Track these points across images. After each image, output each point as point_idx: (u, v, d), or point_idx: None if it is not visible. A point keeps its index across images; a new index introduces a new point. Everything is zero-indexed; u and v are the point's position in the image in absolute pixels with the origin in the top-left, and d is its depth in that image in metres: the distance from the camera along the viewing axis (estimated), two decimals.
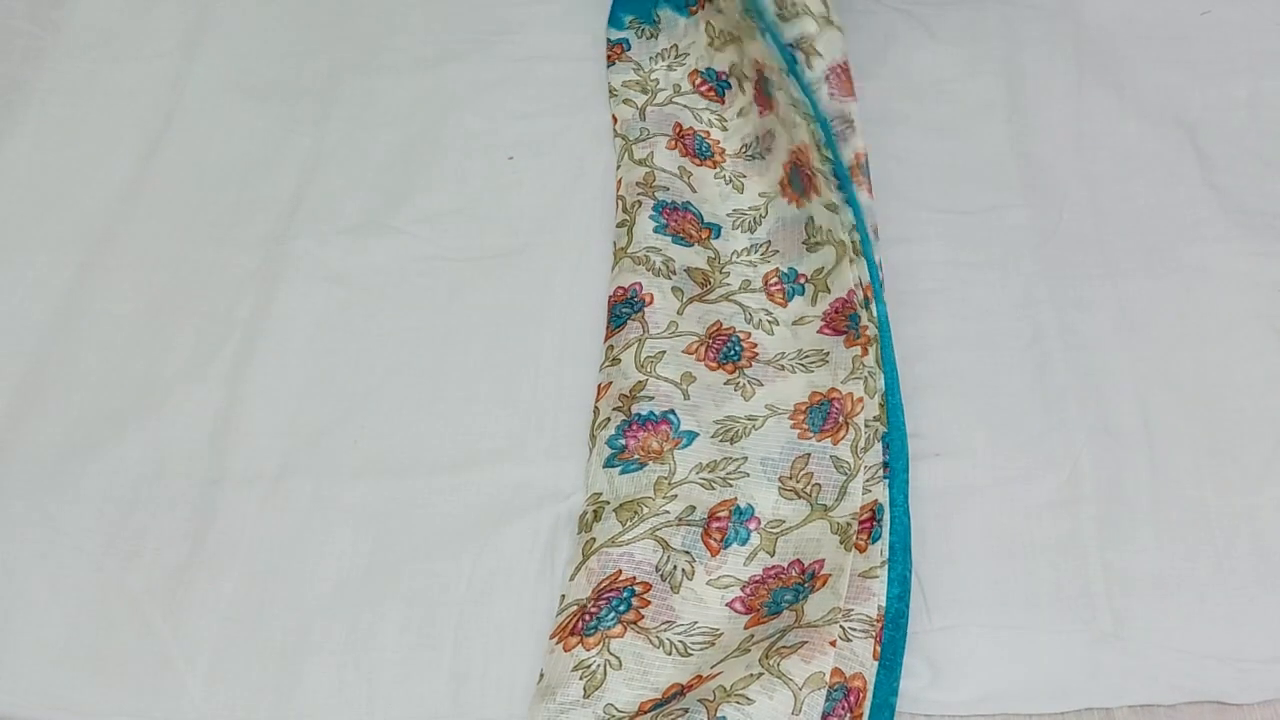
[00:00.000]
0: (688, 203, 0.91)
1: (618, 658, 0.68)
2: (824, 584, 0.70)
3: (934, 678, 0.70)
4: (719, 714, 0.63)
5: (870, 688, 0.66)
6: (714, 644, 0.69)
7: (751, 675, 0.65)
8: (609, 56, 1.01)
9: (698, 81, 0.98)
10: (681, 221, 0.89)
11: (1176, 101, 0.98)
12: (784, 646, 0.67)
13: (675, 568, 0.72)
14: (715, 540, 0.73)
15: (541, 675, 0.69)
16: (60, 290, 0.88)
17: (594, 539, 0.74)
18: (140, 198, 0.94)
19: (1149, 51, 1.01)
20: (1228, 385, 0.82)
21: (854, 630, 0.68)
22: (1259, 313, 0.85)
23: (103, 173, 0.95)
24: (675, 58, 1.00)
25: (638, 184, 0.91)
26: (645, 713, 0.66)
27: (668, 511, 0.74)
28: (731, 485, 0.76)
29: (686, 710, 0.64)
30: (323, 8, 1.07)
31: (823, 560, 0.72)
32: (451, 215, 0.93)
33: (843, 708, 0.65)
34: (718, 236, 0.89)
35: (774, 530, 0.74)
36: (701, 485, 0.76)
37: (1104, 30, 1.03)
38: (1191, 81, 0.99)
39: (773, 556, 0.73)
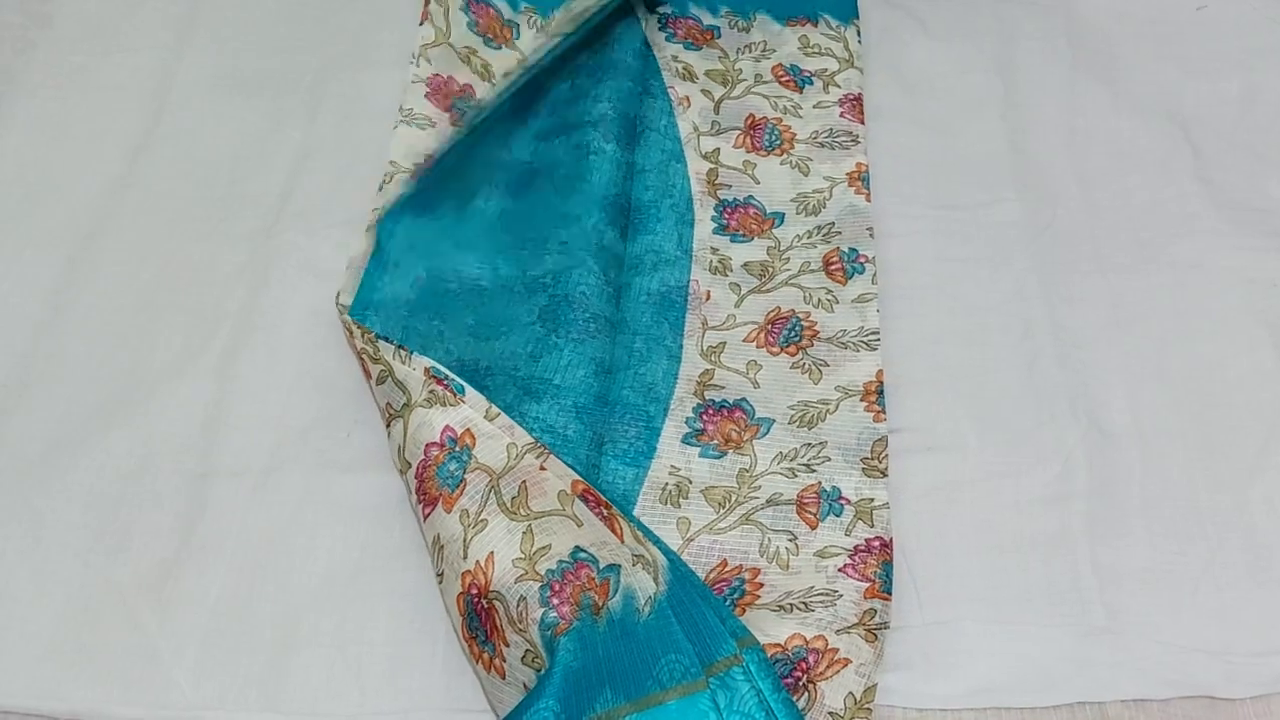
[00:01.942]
0: (750, 196, 0.92)
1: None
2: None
3: (926, 672, 0.70)
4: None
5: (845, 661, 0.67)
6: (834, 604, 0.70)
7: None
8: (695, 39, 1.02)
9: (780, 74, 1.00)
10: (744, 218, 0.91)
11: (1169, 97, 0.98)
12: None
13: (779, 548, 0.73)
14: (811, 514, 0.74)
15: None
16: (48, 284, 0.88)
17: (688, 519, 0.74)
18: (129, 192, 0.93)
19: (1142, 47, 1.02)
20: (1219, 380, 0.82)
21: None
22: (1251, 308, 0.85)
23: (91, 166, 0.95)
24: (764, 51, 1.02)
25: (701, 177, 0.93)
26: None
27: (756, 498, 0.75)
28: (814, 470, 0.76)
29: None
30: (312, 3, 1.07)
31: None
32: None
33: (800, 669, 0.66)
34: (780, 224, 0.90)
35: (866, 506, 0.75)
36: (784, 475, 0.76)
37: (1097, 26, 1.03)
38: (1184, 77, 0.99)
39: (872, 527, 0.74)
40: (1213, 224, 0.90)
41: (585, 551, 0.67)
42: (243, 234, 0.91)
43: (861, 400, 0.80)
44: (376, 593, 0.73)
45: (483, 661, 0.67)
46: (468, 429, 0.73)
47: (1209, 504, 0.76)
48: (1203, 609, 0.72)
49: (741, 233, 0.90)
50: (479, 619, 0.66)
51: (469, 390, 0.75)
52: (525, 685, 0.64)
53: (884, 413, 0.79)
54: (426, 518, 0.71)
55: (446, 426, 0.73)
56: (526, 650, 0.64)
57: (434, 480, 0.71)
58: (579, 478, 0.71)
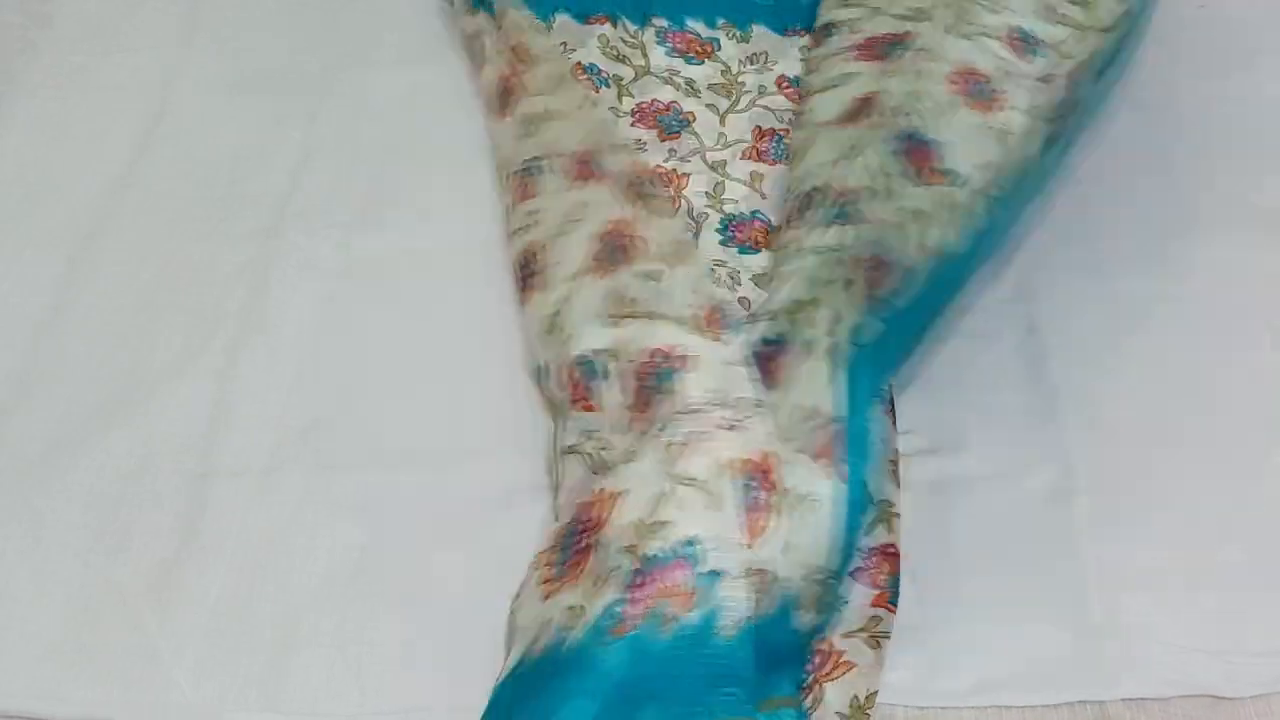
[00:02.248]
0: (756, 211, 0.90)
1: None
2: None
3: (928, 669, 0.70)
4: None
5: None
6: (841, 608, 0.69)
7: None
8: (696, 52, 1.01)
9: (784, 85, 0.99)
10: (750, 230, 0.89)
11: (1170, 96, 0.98)
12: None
13: None
14: None
15: None
16: (48, 285, 0.88)
17: None
18: (130, 192, 0.93)
19: (1144, 45, 1.01)
20: (1220, 380, 0.82)
21: None
22: (1251, 307, 0.85)
23: (93, 166, 0.95)
24: (766, 63, 1.00)
25: (706, 194, 0.91)
26: None
27: None
28: None
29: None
30: (313, 3, 1.07)
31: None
32: (442, 209, 0.92)
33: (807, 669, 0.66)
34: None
35: (886, 509, 0.73)
36: None
37: None
38: (1185, 76, 0.99)
39: (890, 533, 0.73)
40: (1213, 224, 0.90)
41: (695, 545, 0.63)
42: (243, 234, 0.91)
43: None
44: (376, 593, 0.73)
45: (541, 575, 0.65)
46: (684, 353, 0.72)
47: (1210, 503, 0.76)
48: (1204, 608, 0.72)
49: (748, 245, 0.89)
50: (571, 553, 0.64)
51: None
52: (549, 621, 0.63)
53: (895, 424, 0.78)
54: (636, 415, 0.70)
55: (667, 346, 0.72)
56: (580, 605, 0.62)
57: (652, 382, 0.70)
58: (771, 451, 0.67)
